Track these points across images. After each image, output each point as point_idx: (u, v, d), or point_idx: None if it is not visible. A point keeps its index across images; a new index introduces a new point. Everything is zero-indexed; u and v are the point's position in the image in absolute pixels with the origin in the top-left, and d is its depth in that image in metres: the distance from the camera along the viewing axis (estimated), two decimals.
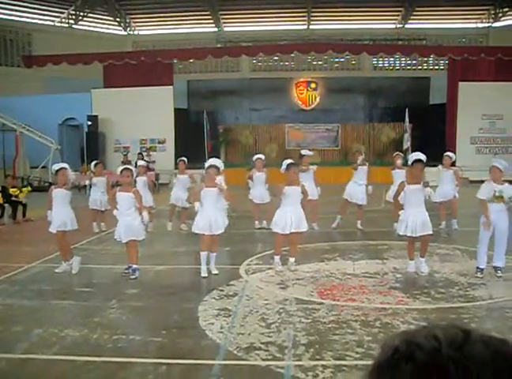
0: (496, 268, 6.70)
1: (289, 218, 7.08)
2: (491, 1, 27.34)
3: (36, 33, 27.35)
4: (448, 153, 10.74)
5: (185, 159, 11.10)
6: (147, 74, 22.61)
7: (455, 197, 10.33)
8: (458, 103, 22.35)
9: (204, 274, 6.96)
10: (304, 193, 7.39)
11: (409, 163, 7.21)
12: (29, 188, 13.36)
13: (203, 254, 7.01)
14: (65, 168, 7.44)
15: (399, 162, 10.81)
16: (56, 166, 7.57)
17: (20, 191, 12.49)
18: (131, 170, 7.42)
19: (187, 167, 11.14)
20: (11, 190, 12.28)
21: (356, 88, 27.26)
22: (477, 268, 6.76)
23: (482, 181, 7.15)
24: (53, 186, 7.63)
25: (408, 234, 6.91)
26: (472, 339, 0.70)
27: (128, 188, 7.07)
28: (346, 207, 10.58)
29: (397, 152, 11.67)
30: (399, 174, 9.88)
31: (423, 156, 7.11)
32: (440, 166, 10.52)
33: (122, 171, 7.10)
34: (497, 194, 6.46)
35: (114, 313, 5.55)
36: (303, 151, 10.61)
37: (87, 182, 11.43)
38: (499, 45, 24.00)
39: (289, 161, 7.40)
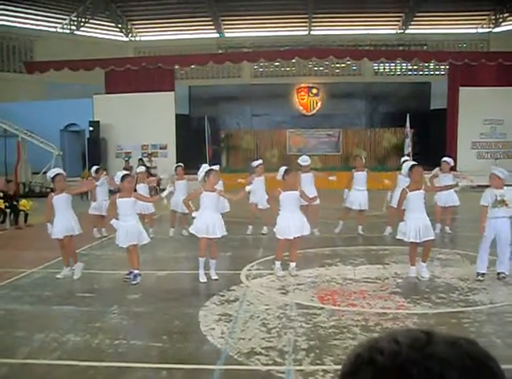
0: (500, 273, 6.72)
1: (291, 223, 7.11)
2: (491, 7, 27.43)
3: (38, 39, 27.48)
4: (446, 158, 10.68)
5: (182, 165, 11.20)
6: (148, 80, 22.69)
7: (454, 206, 10.36)
8: (459, 108, 22.40)
9: (202, 279, 6.99)
10: (304, 197, 7.42)
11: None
12: (31, 203, 13.07)
13: (201, 260, 7.04)
14: (62, 174, 7.44)
15: None
16: (52, 173, 7.42)
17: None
18: (133, 176, 7.45)
19: (187, 173, 11.20)
20: (21, 204, 12.39)
21: (357, 93, 27.30)
22: (477, 273, 6.78)
23: (482, 187, 7.19)
24: (52, 194, 7.49)
25: (412, 240, 6.92)
26: (435, 340, 0.70)
27: (129, 194, 7.09)
28: (348, 213, 10.60)
29: (406, 158, 11.65)
30: (403, 180, 9.77)
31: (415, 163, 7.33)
32: (438, 171, 10.51)
33: (123, 178, 7.09)
34: (499, 198, 6.51)
35: (116, 318, 5.57)
36: (300, 162, 10.40)
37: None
38: (500, 50, 24.06)
39: (285, 168, 7.47)
